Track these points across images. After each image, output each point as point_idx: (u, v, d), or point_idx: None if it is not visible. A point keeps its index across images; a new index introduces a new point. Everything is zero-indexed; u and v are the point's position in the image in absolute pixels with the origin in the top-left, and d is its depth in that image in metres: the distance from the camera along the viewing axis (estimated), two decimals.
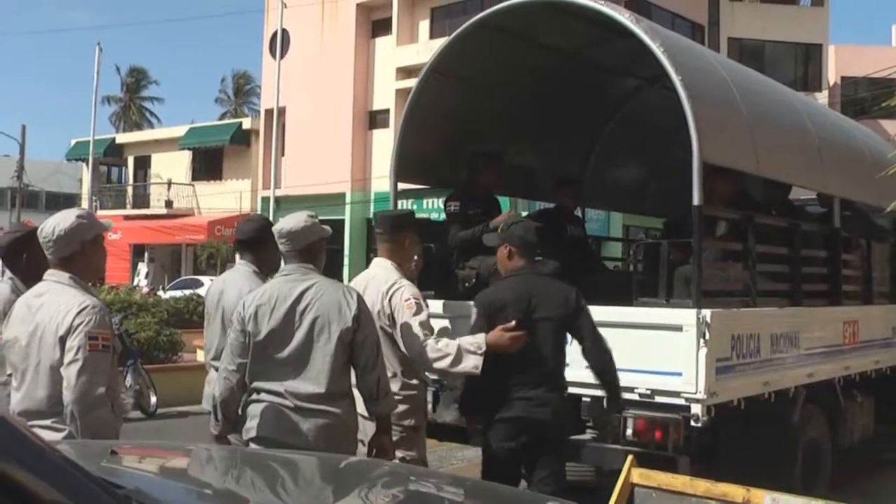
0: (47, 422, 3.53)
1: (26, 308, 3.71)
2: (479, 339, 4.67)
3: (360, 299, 4.19)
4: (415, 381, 4.87)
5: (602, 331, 4.94)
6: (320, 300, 4.11)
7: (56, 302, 3.60)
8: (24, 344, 3.63)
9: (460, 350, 4.61)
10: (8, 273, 4.51)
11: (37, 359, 3.59)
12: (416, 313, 4.69)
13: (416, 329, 4.65)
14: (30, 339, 3.62)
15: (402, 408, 4.69)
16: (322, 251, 4.38)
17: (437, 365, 4.67)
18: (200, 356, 15.15)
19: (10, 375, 3.76)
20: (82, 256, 3.68)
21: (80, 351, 3.47)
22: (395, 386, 4.62)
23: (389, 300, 4.75)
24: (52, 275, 3.71)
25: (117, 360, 3.81)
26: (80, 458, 2.27)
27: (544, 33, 7.35)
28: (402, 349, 4.74)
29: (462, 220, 6.83)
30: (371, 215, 29.83)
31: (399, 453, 4.67)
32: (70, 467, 1.43)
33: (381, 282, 4.85)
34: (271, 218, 27.13)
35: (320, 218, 4.45)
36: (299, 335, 4.09)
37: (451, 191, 7.26)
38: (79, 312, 3.52)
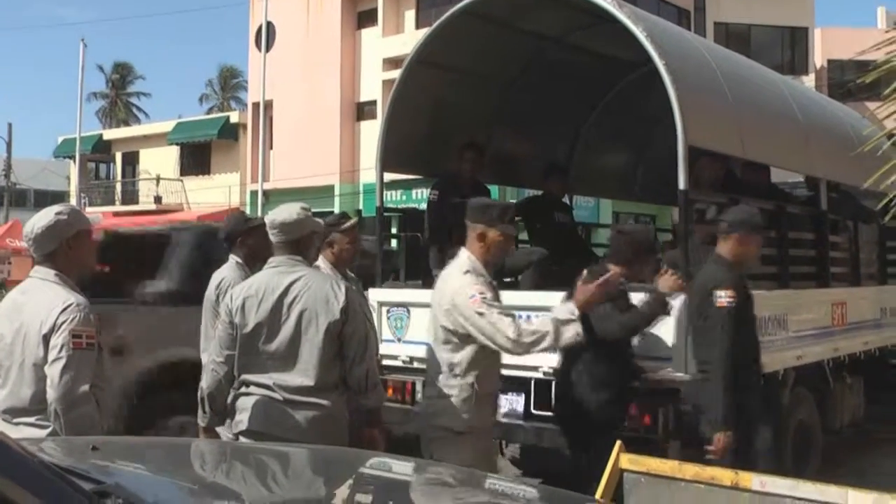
0: (31, 419, 3.52)
1: (12, 305, 3.70)
2: (569, 305, 4.43)
3: (348, 291, 4.18)
4: (456, 381, 4.39)
5: None
6: (308, 292, 4.09)
7: (40, 300, 3.58)
8: (9, 342, 3.62)
9: (556, 324, 4.29)
10: None
11: (21, 357, 3.58)
12: (489, 305, 4.29)
13: (496, 318, 4.26)
14: (14, 336, 3.60)
15: (440, 405, 4.39)
16: (313, 245, 4.37)
17: (541, 346, 4.33)
18: None
19: None
20: (65, 253, 3.65)
21: (63, 349, 3.45)
22: (436, 389, 4.40)
23: (454, 298, 4.39)
24: (37, 272, 3.70)
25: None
26: (62, 455, 2.26)
27: (528, 20, 7.34)
28: (487, 342, 4.31)
29: (441, 209, 6.88)
30: (361, 206, 29.81)
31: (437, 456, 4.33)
32: (39, 466, 1.41)
33: (455, 271, 4.49)
34: (259, 211, 26.99)
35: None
36: (287, 327, 4.07)
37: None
38: (63, 310, 3.50)
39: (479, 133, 7.72)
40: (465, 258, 4.47)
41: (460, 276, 4.40)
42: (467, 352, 4.37)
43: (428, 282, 6.51)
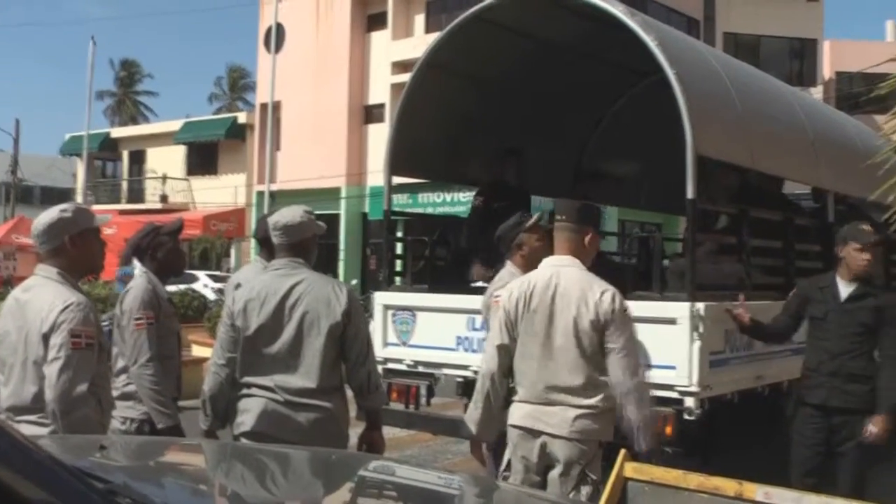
0: (33, 417, 3.51)
1: (15, 303, 3.70)
2: None
3: (349, 294, 4.17)
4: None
5: None
6: (310, 295, 4.09)
7: (42, 298, 3.58)
8: (13, 339, 3.61)
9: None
10: None
11: (24, 355, 3.57)
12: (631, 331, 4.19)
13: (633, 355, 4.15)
14: (18, 334, 3.60)
15: (597, 419, 4.18)
16: (314, 247, 4.36)
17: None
18: (195, 351, 15.10)
19: None
20: (68, 251, 3.65)
21: (62, 349, 3.44)
22: (594, 396, 4.17)
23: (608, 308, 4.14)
24: (41, 270, 3.71)
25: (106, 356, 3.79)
26: (67, 453, 2.26)
27: (538, 27, 7.34)
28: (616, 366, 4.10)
29: (485, 215, 6.92)
30: (367, 210, 29.81)
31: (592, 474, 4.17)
32: (52, 463, 1.41)
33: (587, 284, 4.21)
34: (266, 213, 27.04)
35: (315, 213, 4.43)
36: (289, 330, 4.07)
37: (446, 185, 7.34)
38: (63, 310, 3.50)
39: (488, 138, 7.71)
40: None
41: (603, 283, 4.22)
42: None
43: (436, 286, 6.54)
